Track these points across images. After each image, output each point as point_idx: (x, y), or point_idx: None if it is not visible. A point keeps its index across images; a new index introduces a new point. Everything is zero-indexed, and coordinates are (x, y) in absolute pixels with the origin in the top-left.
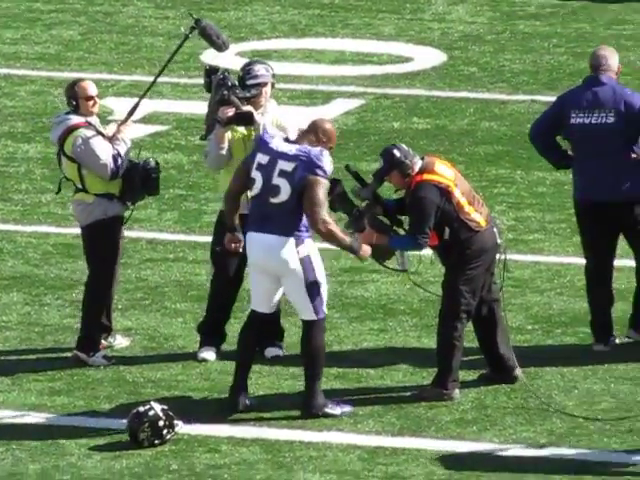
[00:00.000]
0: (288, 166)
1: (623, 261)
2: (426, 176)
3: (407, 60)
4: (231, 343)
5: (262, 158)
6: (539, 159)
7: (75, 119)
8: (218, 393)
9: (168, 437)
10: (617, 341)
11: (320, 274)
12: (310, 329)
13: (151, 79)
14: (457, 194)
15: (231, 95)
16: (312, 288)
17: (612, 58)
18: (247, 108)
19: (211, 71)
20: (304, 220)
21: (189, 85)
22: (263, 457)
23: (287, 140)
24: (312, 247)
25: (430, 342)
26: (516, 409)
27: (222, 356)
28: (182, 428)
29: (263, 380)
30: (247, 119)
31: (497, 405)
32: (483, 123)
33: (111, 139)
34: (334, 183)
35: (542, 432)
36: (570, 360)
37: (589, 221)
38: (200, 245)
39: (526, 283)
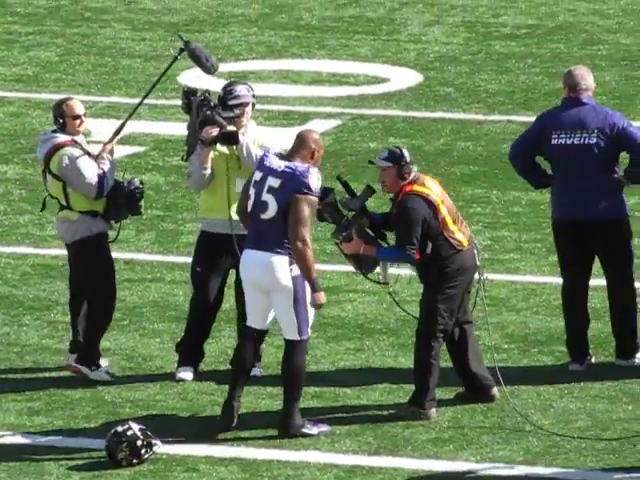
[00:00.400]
0: (275, 182)
1: (598, 280)
2: (416, 187)
3: (383, 81)
4: (208, 363)
5: (257, 175)
6: (515, 179)
7: (61, 137)
8: (196, 412)
9: (146, 457)
10: (593, 360)
11: (309, 295)
12: (292, 349)
13: (128, 101)
14: (443, 211)
15: (215, 115)
16: (299, 307)
17: (589, 78)
18: (231, 128)
19: (190, 92)
20: None
21: (166, 106)
22: (241, 476)
23: (281, 156)
24: None
25: (407, 361)
26: (492, 428)
27: (200, 376)
28: (160, 448)
29: (241, 400)
30: (232, 138)
31: (474, 424)
32: (459, 143)
33: (96, 158)
34: (326, 192)
35: (518, 451)
36: (546, 379)
37: (567, 240)
38: (178, 266)
39: (502, 302)
